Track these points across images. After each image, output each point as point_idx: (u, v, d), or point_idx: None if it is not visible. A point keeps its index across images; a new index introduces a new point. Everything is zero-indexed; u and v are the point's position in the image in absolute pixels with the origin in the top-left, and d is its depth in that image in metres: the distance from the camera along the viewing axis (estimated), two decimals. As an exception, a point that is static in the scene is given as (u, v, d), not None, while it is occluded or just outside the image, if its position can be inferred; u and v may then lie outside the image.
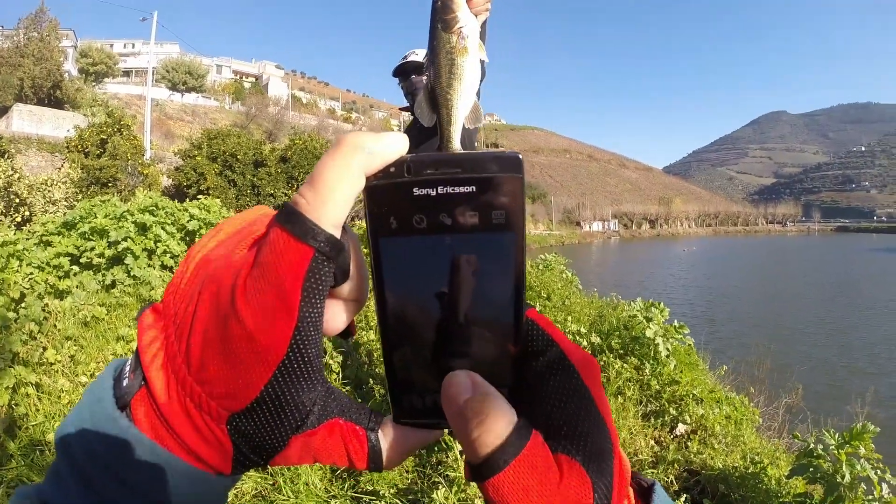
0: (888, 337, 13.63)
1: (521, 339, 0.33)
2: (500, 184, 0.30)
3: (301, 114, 67.07)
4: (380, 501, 2.41)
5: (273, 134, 43.33)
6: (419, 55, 2.88)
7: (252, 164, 19.05)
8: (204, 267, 0.31)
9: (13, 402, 2.61)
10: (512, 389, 0.32)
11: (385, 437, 0.36)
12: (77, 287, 4.67)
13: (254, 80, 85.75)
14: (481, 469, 0.28)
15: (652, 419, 3.67)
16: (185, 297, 0.30)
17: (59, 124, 18.00)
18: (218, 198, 18.47)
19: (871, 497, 2.09)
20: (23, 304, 3.56)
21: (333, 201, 0.28)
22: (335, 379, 3.44)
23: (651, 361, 4.31)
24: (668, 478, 2.93)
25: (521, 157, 0.30)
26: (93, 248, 5.35)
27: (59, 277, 4.63)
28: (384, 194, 0.30)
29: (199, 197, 7.81)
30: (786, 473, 2.76)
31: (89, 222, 5.56)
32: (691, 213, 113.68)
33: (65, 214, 10.28)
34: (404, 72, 2.84)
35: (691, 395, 3.76)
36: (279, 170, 19.58)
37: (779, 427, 4.76)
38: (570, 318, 5.47)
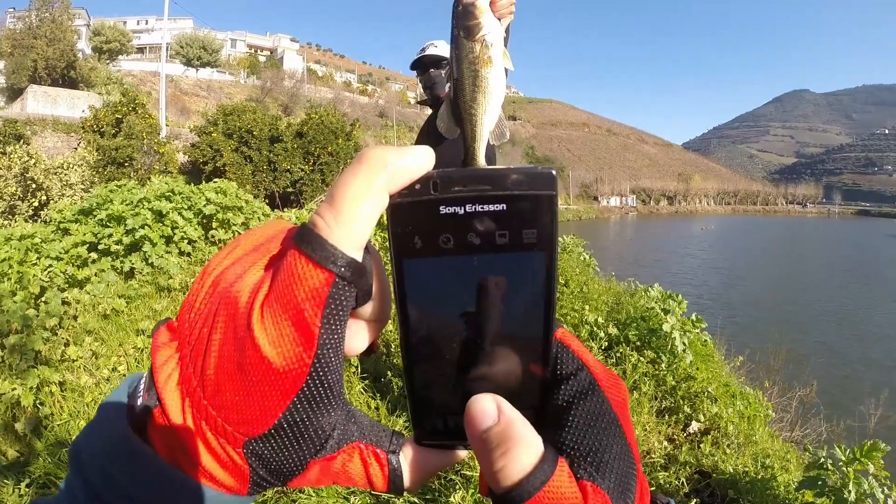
0: None
1: (549, 361, 0.32)
2: (531, 202, 0.29)
3: (317, 87, 66.59)
4: (398, 500, 2.46)
5: (289, 108, 43.19)
6: (438, 48, 2.83)
7: (268, 139, 19.06)
8: (220, 286, 0.30)
9: (38, 401, 2.70)
10: (538, 411, 0.32)
11: (406, 459, 0.35)
12: (96, 277, 4.78)
13: (269, 53, 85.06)
14: (504, 500, 0.27)
15: (666, 416, 3.68)
16: (201, 317, 0.30)
17: (74, 104, 18.16)
18: (234, 174, 18.65)
19: (880, 510, 2.08)
20: (43, 299, 3.65)
21: (355, 222, 0.27)
22: (354, 371, 3.49)
23: (668, 355, 4.29)
24: (679, 480, 2.95)
25: (554, 173, 0.29)
26: (110, 236, 5.44)
27: (78, 267, 4.73)
28: (408, 212, 0.29)
29: (215, 179, 7.86)
30: (795, 480, 2.77)
31: (106, 209, 5.64)
32: (710, 190, 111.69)
33: (81, 199, 10.51)
34: (423, 65, 2.80)
35: (706, 393, 3.75)
36: (295, 145, 19.57)
37: (791, 420, 4.75)
38: (587, 307, 5.44)
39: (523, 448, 0.27)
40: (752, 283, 20.39)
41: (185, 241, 5.92)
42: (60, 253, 4.49)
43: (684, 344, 4.26)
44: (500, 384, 0.31)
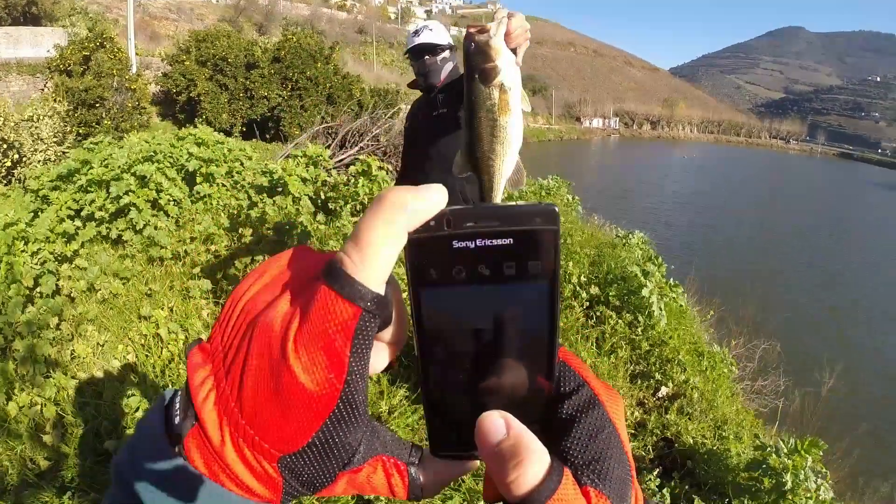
0: (877, 289, 13.89)
1: (553, 380, 0.35)
2: (536, 236, 0.31)
3: (293, 3, 62.10)
4: None
5: (264, 27, 40.58)
6: (434, 31, 2.76)
7: (244, 66, 18.15)
8: (250, 312, 0.33)
9: (59, 408, 2.86)
10: (543, 424, 0.34)
11: (424, 469, 0.39)
12: (83, 249, 4.81)
13: (241, -34, 78.18)
14: None
15: (639, 381, 4.00)
16: (234, 342, 0.32)
17: (38, 42, 16.85)
18: (210, 103, 17.92)
19: (809, 495, 2.42)
20: (38, 290, 3.72)
21: (379, 261, 0.30)
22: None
23: (644, 317, 4.55)
24: (646, 448, 3.29)
25: (556, 210, 0.32)
26: (92, 202, 5.40)
27: (66, 242, 4.74)
28: (424, 247, 0.32)
29: (193, 126, 7.63)
30: (745, 449, 3.12)
31: (86, 174, 5.55)
32: (695, 118, 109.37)
33: (55, 154, 10.16)
34: (418, 52, 2.73)
35: (676, 361, 4.05)
36: (272, 71, 18.68)
37: (754, 370, 5.15)
38: (570, 262, 5.62)
39: (533, 460, 0.29)
40: (728, 222, 20.66)
41: (172, 202, 5.90)
42: (47, 234, 4.49)
43: (661, 309, 4.53)
44: (509, 400, 0.34)
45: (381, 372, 0.39)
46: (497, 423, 0.31)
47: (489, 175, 1.03)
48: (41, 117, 9.46)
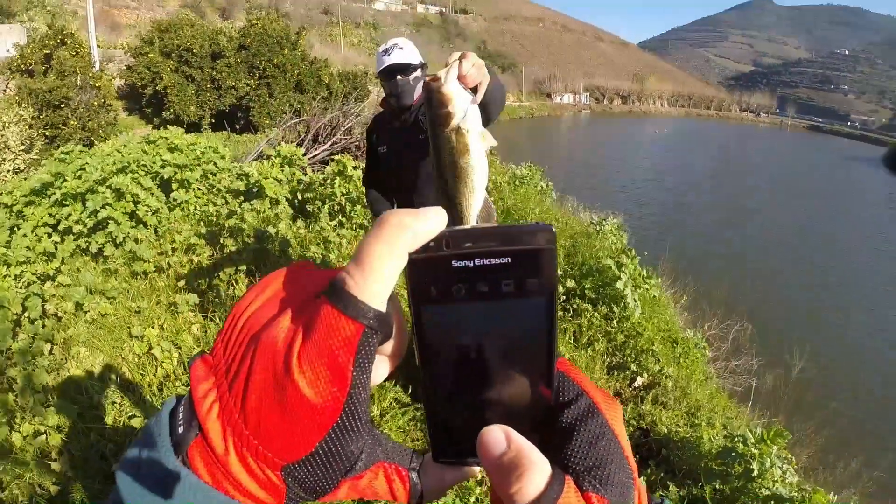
0: (848, 268, 14.34)
1: (553, 390, 0.36)
2: (533, 255, 0.32)
3: (257, -17, 60.08)
4: None
5: (227, 11, 39.35)
6: (404, 50, 2.70)
7: (209, 56, 17.77)
8: (252, 328, 0.34)
9: (64, 436, 2.93)
10: (543, 434, 0.35)
11: (425, 475, 0.40)
12: (65, 265, 4.81)
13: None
14: None
15: (615, 372, 4.21)
16: (237, 357, 0.33)
17: None
18: (176, 96, 17.51)
19: (775, 479, 2.66)
20: (26, 315, 3.73)
21: (380, 281, 0.31)
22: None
23: (620, 308, 4.75)
24: (623, 438, 3.50)
25: (553, 229, 0.33)
26: (69, 216, 5.36)
27: (47, 261, 4.73)
28: (425, 267, 0.33)
29: (160, 113, 7.51)
30: (717, 435, 3.36)
31: (60, 188, 5.49)
32: (665, 92, 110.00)
33: (26, 167, 9.88)
34: (389, 73, 2.68)
35: (650, 351, 4.27)
36: (239, 59, 18.32)
37: (727, 351, 5.42)
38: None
39: (535, 471, 0.30)
40: (700, 199, 20.92)
41: (149, 212, 5.87)
42: (28, 255, 4.47)
43: (635, 300, 4.73)
44: (510, 411, 0.35)
45: (381, 383, 0.44)
46: (498, 437, 0.32)
47: (458, 210, 1.07)
48: (7, 125, 9.19)
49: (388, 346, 0.35)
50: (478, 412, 0.36)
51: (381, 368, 0.36)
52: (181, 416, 0.34)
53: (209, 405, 0.33)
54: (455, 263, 0.33)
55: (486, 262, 0.32)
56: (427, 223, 0.33)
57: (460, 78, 1.06)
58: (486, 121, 2.24)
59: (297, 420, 0.31)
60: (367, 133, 3.06)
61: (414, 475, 0.40)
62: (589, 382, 0.37)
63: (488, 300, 0.33)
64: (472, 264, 0.33)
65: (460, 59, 1.10)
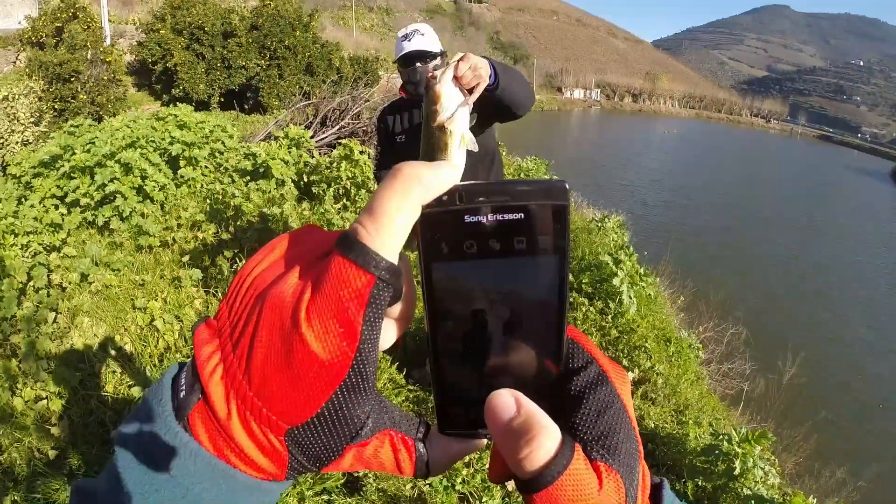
0: (846, 278, 14.27)
1: (563, 355, 0.35)
2: (546, 211, 0.32)
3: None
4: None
5: (240, -13, 39.03)
6: (425, 36, 2.64)
7: (221, 35, 17.65)
8: (258, 287, 0.33)
9: (65, 402, 3.00)
10: (553, 401, 0.34)
11: (432, 447, 0.38)
12: (71, 237, 4.87)
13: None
14: (530, 484, 0.30)
15: (608, 367, 4.26)
16: (242, 316, 0.32)
17: (8, 13, 16.03)
18: (186, 73, 17.45)
19: (757, 479, 2.72)
20: (31, 284, 3.80)
21: (393, 232, 0.30)
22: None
23: (615, 304, 4.81)
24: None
25: (567, 185, 0.32)
26: (77, 188, 5.42)
27: (53, 231, 4.79)
28: (437, 221, 0.32)
29: (174, 104, 7.54)
30: (703, 433, 3.42)
31: (69, 160, 5.54)
32: (676, 92, 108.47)
33: (35, 139, 9.92)
34: (409, 59, 2.63)
35: (643, 348, 4.33)
36: (250, 39, 18.22)
37: (721, 353, 5.47)
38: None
39: (545, 436, 0.30)
40: (705, 203, 20.64)
41: (157, 188, 5.92)
42: (35, 225, 4.53)
43: (630, 297, 4.78)
44: (518, 377, 0.34)
45: (387, 351, 0.42)
46: (507, 401, 0.31)
47: None
48: (17, 97, 9.23)
49: (397, 309, 0.34)
50: (486, 381, 0.34)
51: (388, 333, 0.35)
52: (183, 381, 0.33)
53: (212, 367, 0.32)
54: (467, 219, 0.32)
55: (499, 217, 0.32)
56: (441, 176, 0.32)
57: (456, 79, 1.10)
58: (513, 116, 2.23)
59: (303, 378, 0.30)
60: (381, 116, 2.98)
61: (421, 446, 0.38)
62: (599, 351, 0.36)
63: (500, 257, 0.32)
64: (484, 220, 0.32)
65: (459, 60, 1.15)
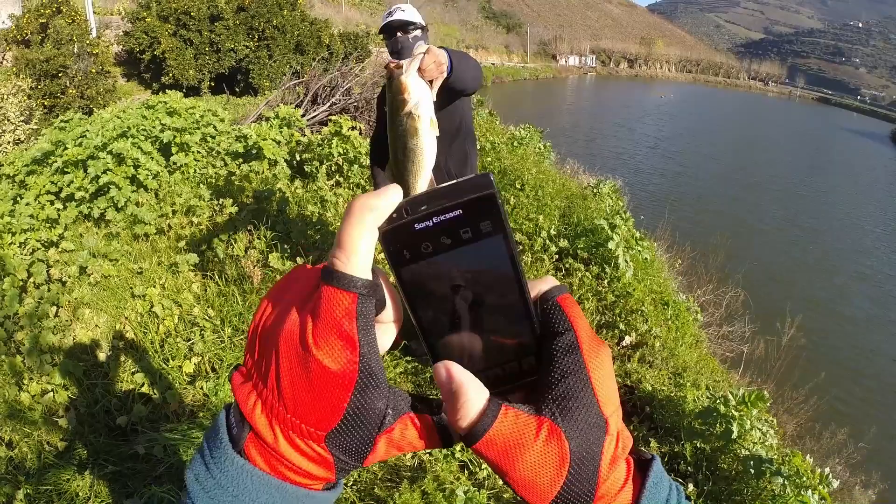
0: (844, 241, 14.22)
1: (532, 316, 0.40)
2: (478, 202, 0.36)
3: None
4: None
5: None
6: (406, 11, 2.85)
7: (207, 18, 17.34)
8: (269, 330, 0.39)
9: (71, 393, 3.05)
10: (526, 360, 0.41)
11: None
12: (68, 231, 4.88)
13: None
14: (467, 438, 0.37)
15: (604, 331, 4.29)
16: (263, 356, 0.38)
17: None
18: (175, 60, 17.23)
19: (755, 441, 2.76)
20: (31, 280, 3.83)
21: (360, 255, 0.37)
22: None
23: (611, 269, 4.81)
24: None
25: (490, 175, 0.37)
26: (71, 183, 5.41)
27: (50, 227, 4.80)
28: (393, 235, 0.38)
29: (163, 92, 7.45)
30: (700, 395, 3.45)
31: (61, 156, 5.52)
32: (672, 56, 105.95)
33: (27, 137, 9.85)
34: (390, 29, 2.83)
35: (640, 311, 4.34)
36: (237, 21, 17.92)
37: (721, 317, 5.48)
38: (541, 216, 5.76)
39: (471, 397, 0.37)
40: (702, 168, 20.43)
41: (150, 176, 5.91)
42: (32, 222, 4.55)
43: (627, 261, 4.78)
44: (497, 343, 0.41)
45: (390, 350, 0.50)
46: (440, 372, 0.39)
47: (406, 189, 1.13)
48: (5, 96, 9.15)
49: (388, 314, 0.40)
50: (468, 352, 0.41)
51: (387, 335, 0.41)
52: (232, 420, 0.39)
53: (252, 404, 0.38)
54: (417, 227, 0.37)
55: (442, 218, 0.37)
56: (386, 199, 0.38)
57: (420, 71, 1.15)
58: (461, 93, 2.45)
59: (324, 389, 0.36)
60: (382, 92, 3.12)
61: (437, 419, 0.42)
62: (583, 322, 0.40)
63: (453, 249, 0.38)
64: (431, 223, 0.37)
65: (425, 54, 1.21)
